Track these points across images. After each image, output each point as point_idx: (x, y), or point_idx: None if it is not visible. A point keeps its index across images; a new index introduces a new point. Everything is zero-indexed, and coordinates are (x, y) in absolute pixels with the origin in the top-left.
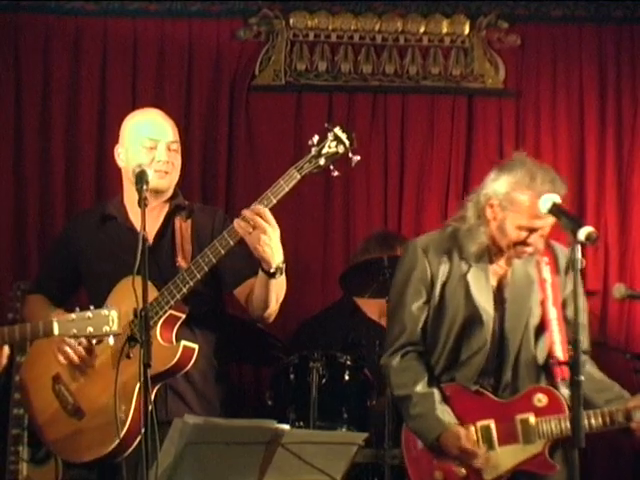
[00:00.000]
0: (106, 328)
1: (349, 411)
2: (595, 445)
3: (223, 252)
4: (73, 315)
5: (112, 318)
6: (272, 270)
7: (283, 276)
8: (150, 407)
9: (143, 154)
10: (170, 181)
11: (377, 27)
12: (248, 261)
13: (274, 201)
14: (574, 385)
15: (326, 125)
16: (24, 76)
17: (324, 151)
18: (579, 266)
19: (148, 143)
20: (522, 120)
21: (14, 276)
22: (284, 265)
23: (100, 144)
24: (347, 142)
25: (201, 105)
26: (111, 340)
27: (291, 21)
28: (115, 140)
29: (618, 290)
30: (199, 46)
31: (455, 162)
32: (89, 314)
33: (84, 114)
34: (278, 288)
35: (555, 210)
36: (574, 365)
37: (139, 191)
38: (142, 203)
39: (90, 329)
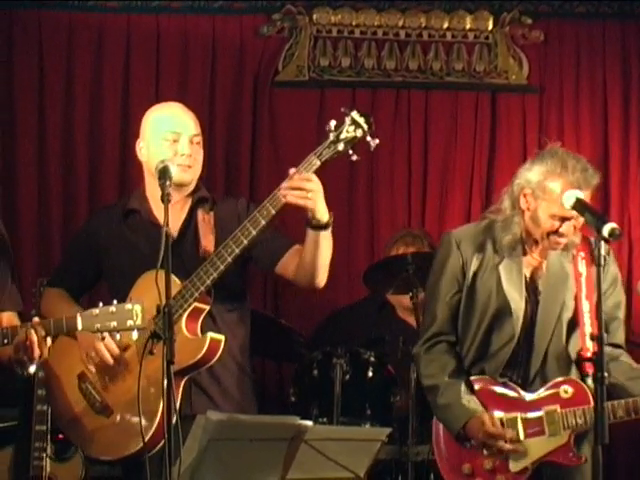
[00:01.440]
0: (130, 322)
1: (372, 407)
2: (618, 437)
3: (255, 232)
4: (96, 310)
5: (136, 312)
6: (324, 222)
7: (330, 233)
8: (177, 400)
9: (165, 148)
10: (193, 175)
11: (400, 23)
12: (279, 238)
13: None
14: (597, 381)
15: (342, 110)
16: (47, 73)
17: (342, 136)
18: (603, 262)
19: (170, 136)
20: (545, 116)
21: (37, 272)
22: (331, 220)
23: (123, 140)
24: (365, 126)
25: (224, 101)
26: (135, 334)
27: (314, 17)
28: (138, 136)
29: None
30: (222, 42)
31: (478, 158)
32: (112, 309)
33: (107, 111)
34: (327, 243)
35: (579, 206)
36: (598, 361)
37: (162, 187)
38: (165, 199)
39: (114, 324)
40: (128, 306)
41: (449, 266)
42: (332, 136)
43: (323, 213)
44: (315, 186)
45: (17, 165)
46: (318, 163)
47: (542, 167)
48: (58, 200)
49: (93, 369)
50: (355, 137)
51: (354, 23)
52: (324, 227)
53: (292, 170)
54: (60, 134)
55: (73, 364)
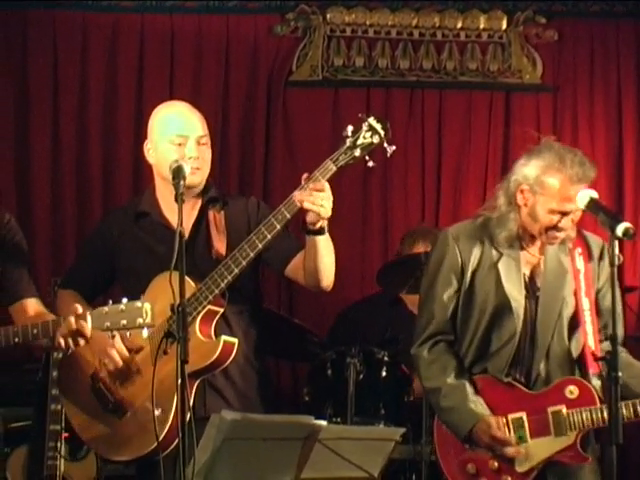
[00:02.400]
0: (139, 320)
1: (386, 407)
2: (630, 437)
3: (270, 237)
4: (106, 308)
5: (145, 310)
6: (320, 225)
7: (328, 236)
8: (190, 402)
9: (172, 151)
10: (202, 176)
11: (414, 22)
12: (291, 239)
13: None
14: (611, 381)
15: (360, 115)
16: (61, 73)
17: (359, 142)
18: (617, 262)
19: (177, 140)
20: (559, 115)
21: (51, 273)
22: (326, 221)
23: (137, 140)
24: (382, 132)
25: (238, 101)
26: (145, 332)
27: (328, 17)
28: None
29: None
30: (236, 42)
31: (492, 157)
32: (122, 307)
33: (121, 110)
34: (327, 248)
35: (593, 206)
36: (612, 361)
37: (176, 187)
38: (179, 199)
39: (124, 322)
40: (138, 304)
41: (446, 264)
42: (349, 142)
43: (324, 216)
44: (329, 194)
45: (31, 165)
46: (334, 168)
47: (539, 162)
48: (72, 200)
49: (108, 367)
50: (372, 143)
51: (368, 23)
52: (320, 232)
53: (305, 175)
54: (74, 134)
55: (86, 364)
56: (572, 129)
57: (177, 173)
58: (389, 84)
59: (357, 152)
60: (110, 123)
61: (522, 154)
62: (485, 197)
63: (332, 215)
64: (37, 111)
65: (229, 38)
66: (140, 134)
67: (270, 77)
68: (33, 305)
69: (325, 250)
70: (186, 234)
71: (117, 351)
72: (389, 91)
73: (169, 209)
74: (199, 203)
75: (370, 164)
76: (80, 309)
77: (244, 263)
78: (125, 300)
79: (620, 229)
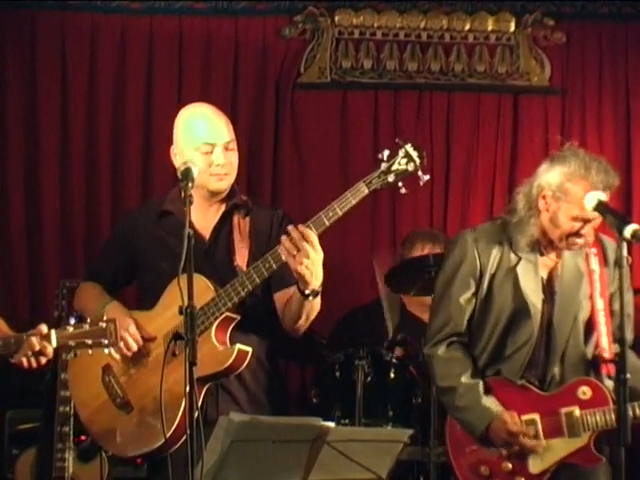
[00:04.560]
0: (104, 341)
1: (394, 408)
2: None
3: (284, 258)
4: (71, 328)
5: (110, 331)
6: (307, 292)
7: (318, 299)
8: (199, 406)
9: (199, 159)
10: (229, 181)
11: (422, 24)
12: (288, 274)
13: (340, 213)
14: (620, 382)
15: (397, 140)
16: (70, 74)
17: (394, 168)
18: (625, 263)
19: (204, 148)
20: (568, 118)
21: (60, 274)
22: (320, 289)
23: (146, 142)
24: (418, 160)
25: (247, 103)
26: (106, 351)
27: (336, 19)
28: (161, 138)
29: None
30: (245, 44)
31: (500, 160)
32: (86, 326)
33: (130, 112)
34: (310, 309)
35: (601, 208)
36: (620, 363)
37: (184, 188)
38: (187, 200)
39: (88, 341)
40: (102, 324)
41: (465, 266)
42: (383, 166)
43: (308, 283)
44: (314, 256)
45: (40, 167)
46: (366, 191)
47: (564, 169)
48: (81, 202)
49: (119, 359)
50: (406, 171)
51: (376, 25)
52: (305, 296)
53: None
54: (83, 135)
55: (98, 355)
56: (580, 131)
57: (185, 175)
58: (397, 86)
59: (391, 178)
60: (119, 125)
61: (534, 161)
62: (493, 199)
63: (340, 218)
64: (46, 113)
65: (237, 40)
66: (149, 136)
67: (278, 79)
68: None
69: (307, 309)
70: (207, 238)
71: (131, 336)
72: (397, 93)
73: (195, 211)
74: (223, 208)
75: (403, 191)
76: (45, 330)
77: (266, 274)
78: (89, 320)
79: (628, 231)
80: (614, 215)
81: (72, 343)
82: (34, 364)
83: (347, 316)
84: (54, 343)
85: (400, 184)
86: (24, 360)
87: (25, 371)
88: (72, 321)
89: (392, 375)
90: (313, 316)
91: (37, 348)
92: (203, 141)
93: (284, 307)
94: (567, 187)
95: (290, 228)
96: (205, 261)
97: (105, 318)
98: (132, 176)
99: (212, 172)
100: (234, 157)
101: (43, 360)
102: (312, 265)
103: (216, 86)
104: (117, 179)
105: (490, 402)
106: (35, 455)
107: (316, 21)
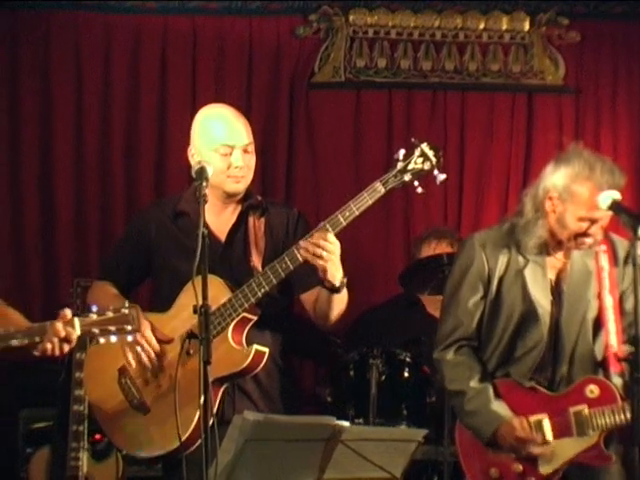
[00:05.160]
0: (127, 327)
1: (408, 408)
2: None
3: (301, 260)
4: (94, 315)
5: (132, 316)
6: (337, 285)
7: (345, 290)
8: (215, 406)
9: (218, 161)
10: (246, 183)
11: (437, 24)
12: (312, 273)
13: (356, 213)
14: (634, 382)
15: (413, 140)
16: (84, 74)
17: (410, 167)
18: (639, 262)
19: (222, 150)
20: (582, 117)
21: (74, 273)
22: (346, 279)
23: (160, 141)
24: (434, 159)
25: (261, 102)
26: (129, 338)
27: (351, 18)
28: (175, 137)
29: None
30: (259, 43)
31: (515, 159)
32: (110, 314)
33: (144, 112)
34: (340, 302)
35: (615, 207)
36: (635, 361)
37: (199, 188)
38: (201, 199)
39: (112, 328)
40: (125, 310)
41: (473, 270)
42: (400, 165)
43: (335, 276)
44: (333, 248)
45: (55, 166)
46: (383, 190)
47: (569, 170)
48: (95, 201)
49: (134, 363)
50: (422, 169)
51: (390, 24)
52: (336, 290)
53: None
54: (97, 135)
55: (115, 356)
56: (594, 130)
57: (200, 174)
58: (411, 85)
59: (407, 177)
60: (133, 125)
61: (549, 161)
62: (508, 198)
63: (356, 218)
64: (60, 112)
65: (251, 39)
66: (163, 135)
67: (292, 78)
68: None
69: (336, 303)
70: (223, 238)
71: (147, 340)
72: (411, 92)
73: (210, 212)
74: (239, 209)
75: (419, 190)
76: (69, 315)
77: (283, 275)
78: (111, 307)
79: None
80: (628, 214)
81: (96, 330)
82: (58, 351)
83: (363, 316)
84: (78, 330)
85: (416, 183)
86: (49, 347)
87: (45, 362)
88: (94, 309)
89: (406, 374)
90: (344, 307)
91: (63, 334)
92: (222, 142)
93: (314, 307)
94: (572, 188)
95: (305, 241)
96: (221, 262)
97: (127, 305)
98: (146, 175)
99: (230, 174)
100: (252, 160)
101: (66, 348)
102: (332, 256)
103: (230, 86)
104: (131, 178)
105: (499, 407)
106: (49, 454)
107: (330, 20)
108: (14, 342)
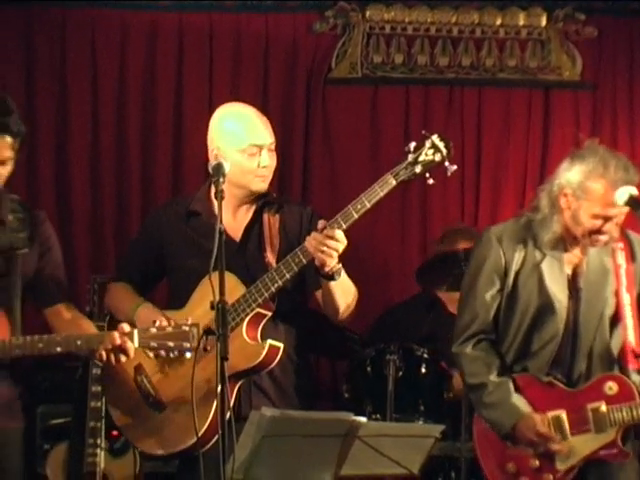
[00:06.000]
0: (186, 344)
1: (425, 403)
2: None
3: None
4: (154, 329)
5: (193, 334)
6: (327, 271)
7: (345, 279)
8: (231, 402)
9: (246, 161)
10: (268, 182)
11: (453, 19)
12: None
13: (368, 206)
14: None
15: (423, 132)
16: (100, 71)
17: (421, 158)
18: None
19: (250, 150)
20: (599, 112)
21: (91, 270)
22: (339, 266)
23: (176, 139)
24: (444, 151)
25: (277, 99)
26: (188, 355)
27: (367, 14)
28: (191, 135)
29: None
30: (275, 40)
31: (531, 155)
32: (170, 329)
33: (160, 109)
34: (342, 292)
35: (632, 202)
36: None
37: (216, 184)
38: (219, 196)
39: (170, 344)
40: (185, 328)
41: (490, 263)
42: (410, 157)
43: (328, 265)
44: (338, 246)
45: (71, 165)
46: (394, 183)
47: (583, 167)
48: (111, 199)
49: (151, 360)
50: (433, 161)
51: (407, 20)
52: (330, 277)
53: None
54: (113, 132)
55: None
56: (611, 126)
57: (217, 171)
58: (428, 81)
59: (418, 169)
60: (149, 122)
61: (565, 157)
62: (525, 194)
63: (371, 214)
64: (76, 110)
65: (268, 36)
66: (179, 132)
67: (309, 75)
68: (68, 310)
69: (338, 293)
70: (239, 235)
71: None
72: (428, 88)
73: (225, 210)
74: (254, 206)
75: (430, 182)
76: (127, 328)
77: (296, 269)
78: (173, 322)
79: None
80: None
81: (154, 344)
82: (113, 360)
83: (383, 316)
84: (136, 343)
85: (427, 175)
86: (104, 354)
87: (56, 367)
88: (157, 323)
89: (423, 370)
90: (351, 299)
91: (118, 342)
92: (250, 143)
93: (324, 302)
94: (587, 185)
95: (315, 235)
96: (236, 259)
97: (190, 322)
98: (162, 172)
99: (258, 173)
100: (275, 158)
101: (123, 358)
102: (335, 253)
103: (246, 82)
104: (147, 175)
105: (519, 401)
106: (67, 450)
107: (347, 16)
108: (71, 348)
